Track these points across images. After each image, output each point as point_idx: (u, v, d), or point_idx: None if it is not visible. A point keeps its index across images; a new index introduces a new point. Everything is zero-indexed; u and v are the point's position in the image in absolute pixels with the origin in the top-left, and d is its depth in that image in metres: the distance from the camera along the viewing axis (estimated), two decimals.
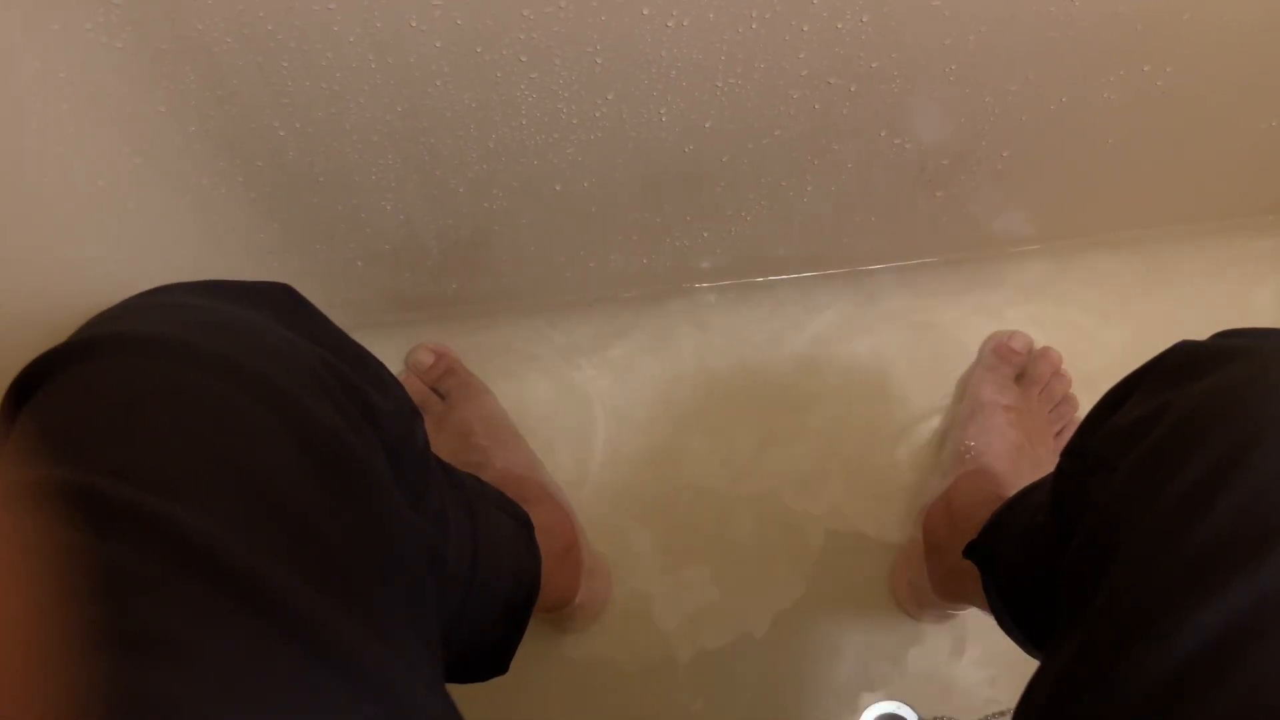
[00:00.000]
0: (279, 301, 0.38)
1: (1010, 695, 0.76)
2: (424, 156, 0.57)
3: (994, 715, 0.75)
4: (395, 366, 0.80)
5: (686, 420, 0.82)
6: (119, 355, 0.30)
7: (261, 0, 0.44)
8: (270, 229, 0.63)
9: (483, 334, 0.82)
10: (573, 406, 0.82)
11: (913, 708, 0.73)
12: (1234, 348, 0.35)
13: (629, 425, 0.81)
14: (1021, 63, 0.58)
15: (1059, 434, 0.78)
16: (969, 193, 0.73)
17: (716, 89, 0.55)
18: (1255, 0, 0.57)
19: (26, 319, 0.47)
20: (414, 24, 0.46)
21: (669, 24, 0.49)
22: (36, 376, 0.30)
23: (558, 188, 0.63)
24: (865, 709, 0.73)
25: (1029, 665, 0.40)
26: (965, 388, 0.82)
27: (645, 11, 0.48)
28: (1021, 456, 0.74)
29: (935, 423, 0.82)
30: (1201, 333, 0.39)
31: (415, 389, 0.78)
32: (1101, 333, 0.85)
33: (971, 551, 0.57)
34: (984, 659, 0.77)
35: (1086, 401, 0.65)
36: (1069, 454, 0.43)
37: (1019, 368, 0.81)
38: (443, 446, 0.75)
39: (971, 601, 0.63)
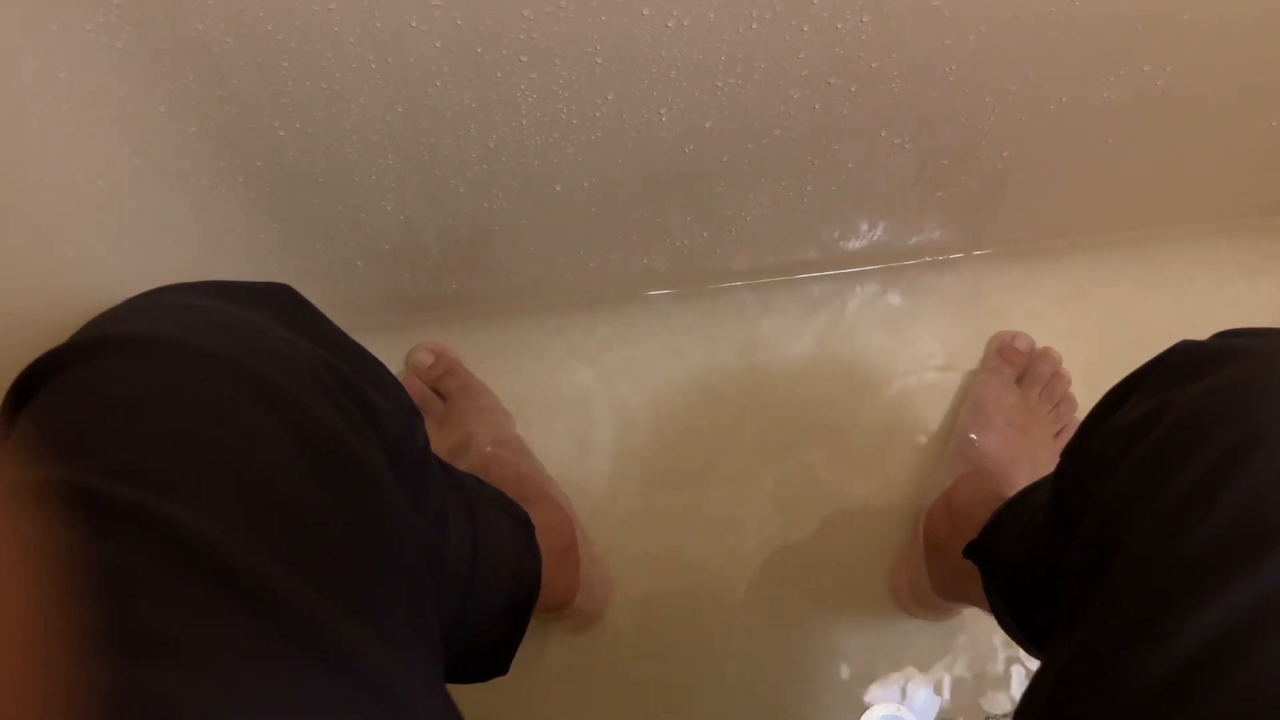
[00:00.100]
0: (279, 302, 0.39)
1: (1010, 696, 0.76)
2: (424, 156, 0.57)
3: (994, 715, 0.75)
4: (395, 366, 0.80)
5: (687, 420, 0.82)
6: (120, 356, 0.30)
7: (261, 0, 0.44)
8: (270, 229, 0.63)
9: (483, 334, 0.82)
10: (573, 407, 0.82)
11: (913, 708, 0.73)
12: (1234, 348, 0.35)
13: (629, 426, 0.81)
14: (1021, 63, 0.58)
15: (1059, 434, 0.78)
16: (969, 193, 0.73)
17: (716, 89, 0.55)
18: (1255, 0, 0.57)
19: (26, 319, 0.47)
20: (414, 24, 0.46)
21: (669, 24, 0.49)
22: (37, 377, 0.30)
23: (558, 188, 0.63)
24: (865, 709, 0.73)
25: (1029, 665, 0.40)
26: (968, 388, 0.82)
27: (645, 11, 0.48)
28: (1022, 456, 0.74)
29: (937, 422, 0.82)
30: (1201, 333, 0.39)
31: (415, 389, 0.78)
32: (1101, 332, 0.85)
33: (972, 551, 0.57)
34: (984, 659, 0.77)
35: (1086, 401, 0.65)
36: (1069, 454, 0.43)
37: (1021, 368, 0.81)
38: (443, 447, 0.75)
39: (972, 601, 0.63)
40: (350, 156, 0.56)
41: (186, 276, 0.38)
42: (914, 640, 0.77)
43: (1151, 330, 0.86)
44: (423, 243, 0.68)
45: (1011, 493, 0.60)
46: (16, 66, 0.42)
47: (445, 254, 0.70)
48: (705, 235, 0.74)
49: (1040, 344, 0.82)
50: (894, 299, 0.85)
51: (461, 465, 0.70)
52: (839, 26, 0.51)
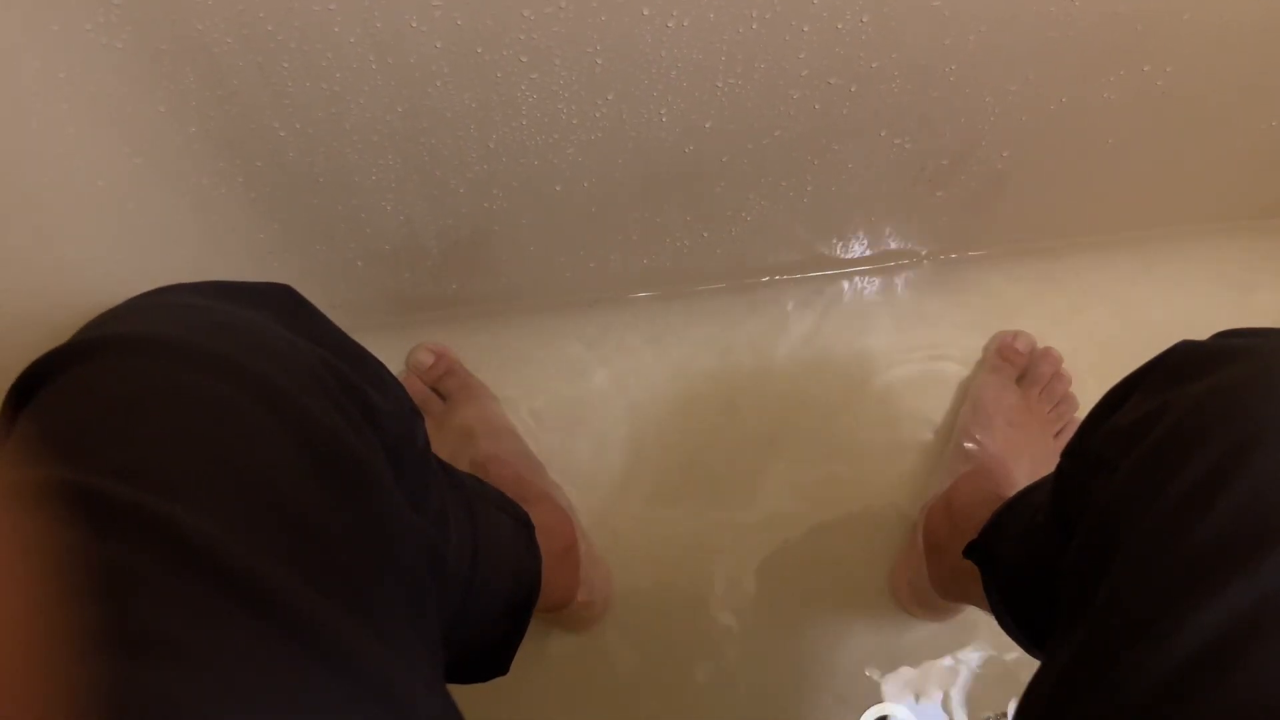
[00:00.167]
0: (280, 302, 0.39)
1: (1010, 696, 0.76)
2: (424, 157, 0.57)
3: (994, 715, 0.75)
4: (395, 367, 0.80)
5: (687, 420, 0.82)
6: (120, 356, 0.30)
7: (261, 0, 0.44)
8: (270, 229, 0.63)
9: (483, 334, 0.82)
10: (572, 407, 0.82)
11: (913, 708, 0.73)
12: (1234, 348, 0.35)
13: (629, 426, 0.81)
14: (1021, 63, 0.58)
15: (1059, 434, 0.78)
16: (969, 193, 0.73)
17: (717, 89, 0.55)
18: (1255, 0, 0.57)
19: (26, 319, 0.47)
20: (414, 24, 0.46)
21: (669, 24, 0.49)
22: (38, 377, 0.30)
23: (558, 188, 0.63)
24: (865, 709, 0.73)
25: (1029, 665, 0.40)
26: (968, 387, 0.82)
27: (645, 12, 0.48)
28: (1022, 456, 0.74)
29: (937, 422, 0.82)
30: (1201, 333, 0.39)
31: (415, 389, 0.78)
32: (1101, 332, 0.85)
33: (972, 551, 0.57)
34: (984, 659, 0.77)
35: (1087, 401, 0.65)
36: (1069, 454, 0.43)
37: (1022, 368, 0.81)
38: (443, 447, 0.75)
39: (972, 601, 0.63)
40: (350, 157, 0.56)
41: (186, 276, 0.38)
42: (914, 640, 0.77)
43: (1151, 330, 0.86)
44: (423, 243, 0.68)
45: (1011, 493, 0.60)
46: (16, 66, 0.42)
47: (445, 254, 0.70)
48: (705, 235, 0.74)
49: (1040, 344, 0.82)
50: (895, 299, 0.85)
51: (461, 465, 0.70)
52: (839, 27, 0.51)
